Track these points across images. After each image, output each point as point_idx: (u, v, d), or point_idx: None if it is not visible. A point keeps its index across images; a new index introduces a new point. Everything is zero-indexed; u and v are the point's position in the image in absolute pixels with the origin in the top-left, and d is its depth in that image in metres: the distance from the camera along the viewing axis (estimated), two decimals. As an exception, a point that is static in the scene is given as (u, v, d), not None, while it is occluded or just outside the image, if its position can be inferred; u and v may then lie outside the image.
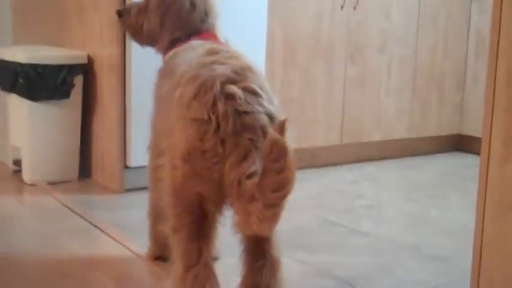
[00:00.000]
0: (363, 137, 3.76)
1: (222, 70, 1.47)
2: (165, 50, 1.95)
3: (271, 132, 1.28)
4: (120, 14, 2.03)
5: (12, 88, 3.00)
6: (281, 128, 1.29)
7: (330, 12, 3.50)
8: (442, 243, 2.44)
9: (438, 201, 3.04)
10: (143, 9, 1.96)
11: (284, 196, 1.31)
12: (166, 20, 1.91)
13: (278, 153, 1.27)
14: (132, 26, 2.00)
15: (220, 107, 1.40)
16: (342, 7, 3.53)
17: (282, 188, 1.30)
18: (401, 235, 2.51)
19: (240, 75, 1.48)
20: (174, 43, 1.91)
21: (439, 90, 4.08)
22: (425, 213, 2.83)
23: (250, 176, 1.35)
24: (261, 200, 1.31)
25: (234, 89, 1.43)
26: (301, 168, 3.68)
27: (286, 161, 1.28)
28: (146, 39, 2.00)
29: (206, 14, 1.96)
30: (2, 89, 3.10)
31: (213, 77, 1.46)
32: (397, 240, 2.44)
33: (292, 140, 1.34)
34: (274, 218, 1.34)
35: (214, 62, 1.51)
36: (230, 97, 1.42)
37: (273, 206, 1.32)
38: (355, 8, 3.58)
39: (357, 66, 3.66)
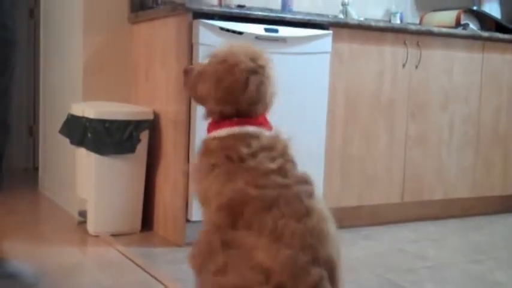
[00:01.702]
0: (424, 196, 3.71)
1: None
2: (210, 118, 1.90)
3: None
4: (185, 72, 1.98)
5: (81, 142, 3.11)
6: None
7: (391, 70, 3.52)
8: (508, 308, 2.36)
9: (504, 264, 2.94)
10: (202, 71, 1.89)
11: None
12: (217, 90, 1.82)
13: None
14: (189, 85, 1.94)
15: None
16: (403, 65, 3.54)
17: None
18: (465, 298, 2.44)
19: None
20: (221, 117, 1.84)
21: (504, 149, 4.01)
22: (490, 277, 2.74)
23: None
24: None
25: None
26: (361, 225, 3.67)
27: None
28: (199, 101, 1.94)
29: (261, 96, 1.85)
30: (72, 143, 3.21)
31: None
32: (461, 304, 2.38)
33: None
34: None
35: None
36: None
37: None
38: (417, 66, 3.59)
39: (418, 124, 3.64)
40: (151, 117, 3.18)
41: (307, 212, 1.63)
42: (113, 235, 3.11)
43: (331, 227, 1.66)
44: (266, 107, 1.89)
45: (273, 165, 1.70)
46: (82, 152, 3.17)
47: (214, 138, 1.81)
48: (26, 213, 3.59)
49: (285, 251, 1.55)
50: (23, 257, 2.70)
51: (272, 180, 1.67)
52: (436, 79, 3.69)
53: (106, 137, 3.05)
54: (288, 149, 1.79)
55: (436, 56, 3.67)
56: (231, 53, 1.84)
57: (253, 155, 1.72)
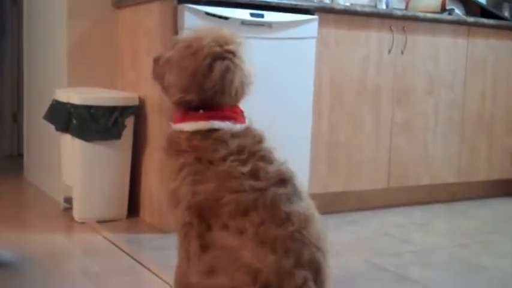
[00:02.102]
0: (410, 181, 3.72)
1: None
2: (176, 108, 1.75)
3: None
4: (155, 61, 1.82)
5: (65, 128, 3.09)
6: None
7: (377, 56, 3.52)
8: (493, 291, 2.38)
9: (489, 248, 2.97)
10: (169, 58, 1.75)
11: None
12: (180, 77, 1.70)
13: None
14: (156, 74, 1.81)
15: None
16: (389, 51, 3.54)
17: None
18: (450, 283, 2.46)
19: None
20: (185, 107, 1.71)
21: (488, 135, 4.03)
22: (476, 261, 2.77)
23: None
24: None
25: None
26: (347, 211, 3.68)
27: None
28: (166, 91, 1.79)
29: (227, 84, 1.69)
30: (57, 129, 3.19)
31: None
32: None
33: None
34: None
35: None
36: None
37: None
38: (402, 52, 3.59)
39: (403, 110, 3.65)
40: (136, 102, 3.16)
41: (287, 218, 1.58)
42: (99, 222, 3.10)
43: (314, 226, 1.61)
44: (236, 98, 1.73)
45: (244, 169, 1.62)
46: (67, 138, 3.15)
47: (181, 132, 1.69)
48: (11, 199, 3.56)
49: (270, 255, 1.54)
50: (8, 243, 2.69)
51: (245, 185, 1.60)
52: (421, 65, 3.69)
53: (91, 123, 3.03)
54: (260, 145, 1.69)
55: (422, 41, 3.67)
56: (197, 37, 1.70)
57: (223, 158, 1.63)
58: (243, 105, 1.76)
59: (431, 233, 3.20)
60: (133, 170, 3.24)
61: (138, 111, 3.18)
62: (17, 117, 4.96)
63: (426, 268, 2.62)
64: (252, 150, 1.66)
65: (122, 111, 3.09)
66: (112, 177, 3.13)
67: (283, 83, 3.17)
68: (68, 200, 3.26)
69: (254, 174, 1.62)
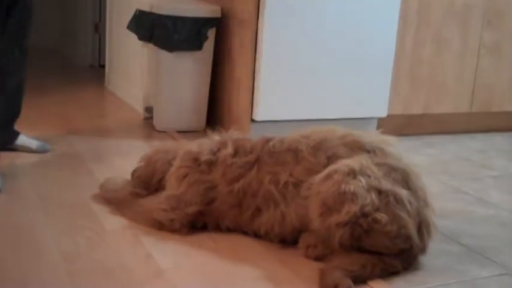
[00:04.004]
0: (494, 107, 3.60)
1: None
2: None
3: None
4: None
5: (149, 38, 3.12)
6: None
7: (469, -27, 3.34)
8: None
9: None
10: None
11: None
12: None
13: None
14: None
15: None
16: (482, -32, 3.36)
17: None
18: (532, 208, 2.41)
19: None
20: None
21: None
22: (558, 189, 2.69)
23: None
24: None
25: None
26: (426, 133, 3.59)
27: None
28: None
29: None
30: (139, 39, 3.22)
31: None
32: (527, 213, 2.34)
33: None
34: None
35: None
36: None
37: None
38: (496, -31, 3.40)
39: (494, 32, 3.48)
40: (219, 15, 3.14)
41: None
42: (178, 131, 3.16)
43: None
44: None
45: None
46: (149, 48, 3.18)
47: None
48: (93, 108, 3.66)
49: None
50: (90, 149, 2.78)
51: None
52: (516, -16, 3.49)
53: (174, 33, 3.04)
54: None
55: (519, -42, 3.46)
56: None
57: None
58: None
59: (513, 160, 3.11)
60: (213, 82, 3.26)
61: (220, 23, 3.17)
62: (98, 28, 5.04)
63: (506, 192, 2.57)
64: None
65: (205, 22, 3.09)
66: (192, 87, 3.17)
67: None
68: (149, 110, 3.33)
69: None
